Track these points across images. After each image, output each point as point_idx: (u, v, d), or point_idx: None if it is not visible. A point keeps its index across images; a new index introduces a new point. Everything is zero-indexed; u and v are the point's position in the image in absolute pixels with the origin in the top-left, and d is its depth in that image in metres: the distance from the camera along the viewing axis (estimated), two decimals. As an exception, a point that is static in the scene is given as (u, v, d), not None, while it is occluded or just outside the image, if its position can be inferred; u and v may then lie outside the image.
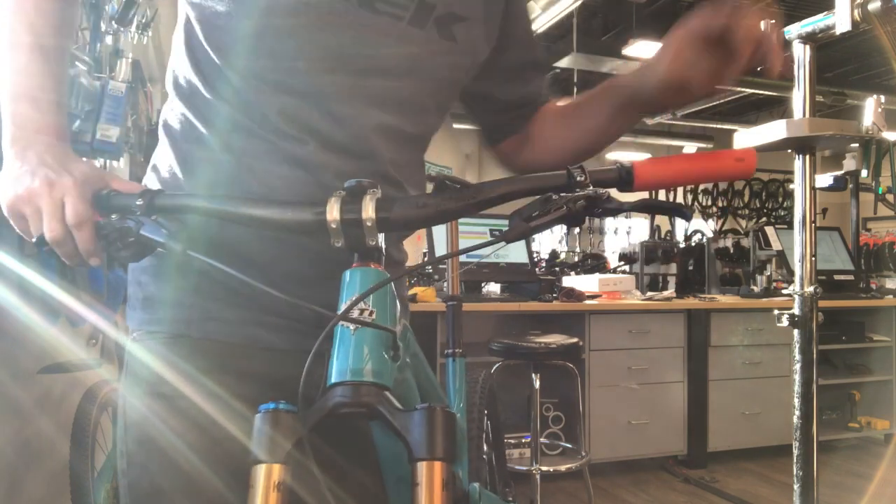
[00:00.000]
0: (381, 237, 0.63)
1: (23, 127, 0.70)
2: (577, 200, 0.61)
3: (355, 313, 0.60)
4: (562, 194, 0.62)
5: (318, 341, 0.57)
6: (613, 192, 0.64)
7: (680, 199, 7.94)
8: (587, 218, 0.63)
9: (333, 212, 0.61)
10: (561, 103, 0.96)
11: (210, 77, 0.76)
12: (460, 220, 3.23)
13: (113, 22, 2.03)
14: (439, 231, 3.05)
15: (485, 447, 1.56)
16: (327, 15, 0.71)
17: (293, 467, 0.56)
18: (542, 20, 5.23)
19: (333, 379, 0.58)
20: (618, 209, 0.63)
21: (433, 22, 0.76)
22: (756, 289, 4.18)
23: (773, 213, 8.23)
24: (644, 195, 0.66)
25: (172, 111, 0.81)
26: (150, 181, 0.82)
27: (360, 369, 0.58)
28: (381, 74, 0.75)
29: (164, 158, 0.81)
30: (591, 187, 0.63)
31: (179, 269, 0.70)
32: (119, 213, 0.67)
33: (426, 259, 3.25)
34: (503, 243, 0.62)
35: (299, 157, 0.73)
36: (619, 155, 8.91)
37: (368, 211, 0.61)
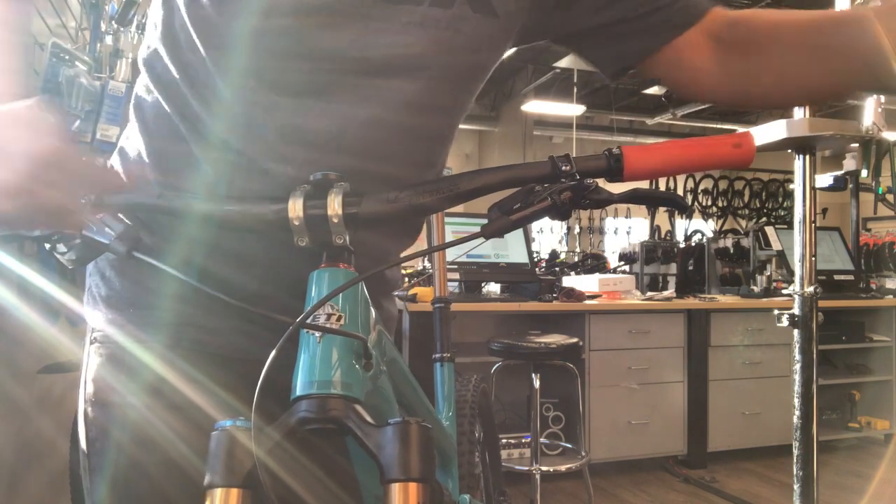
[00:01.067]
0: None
1: None
2: (563, 191, 0.57)
3: (322, 319, 0.55)
4: (545, 185, 0.58)
5: (273, 350, 0.51)
6: (604, 184, 0.60)
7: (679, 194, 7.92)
8: (577, 210, 0.59)
9: (296, 208, 0.56)
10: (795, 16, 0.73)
11: (194, 77, 0.66)
12: (454, 221, 3.25)
13: (113, 22, 2.03)
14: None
15: (477, 455, 1.53)
16: (331, 15, 0.62)
17: (254, 491, 0.51)
18: (542, 20, 5.23)
19: (298, 392, 0.53)
20: (607, 200, 0.58)
21: None
22: (756, 289, 4.18)
23: (773, 213, 8.24)
24: (641, 184, 0.62)
25: (147, 91, 0.71)
26: (116, 166, 0.74)
27: (327, 381, 0.53)
28: (390, 74, 0.66)
29: (133, 145, 0.73)
30: (578, 177, 0.58)
31: (152, 266, 0.61)
32: None
33: (425, 260, 3.24)
34: (482, 239, 0.57)
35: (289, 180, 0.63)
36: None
37: (334, 206, 0.56)
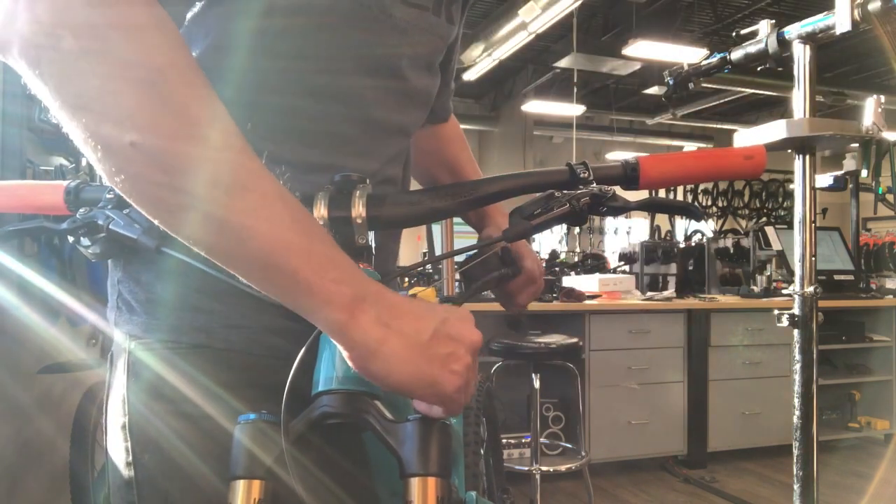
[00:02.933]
0: (370, 235, 0.59)
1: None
2: (581, 198, 0.58)
3: None
4: (564, 192, 0.60)
5: (304, 348, 0.52)
6: (618, 190, 0.62)
7: (680, 199, 7.93)
8: (590, 217, 0.61)
9: (321, 209, 0.57)
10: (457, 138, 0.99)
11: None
12: (460, 222, 3.25)
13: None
14: (438, 230, 3.05)
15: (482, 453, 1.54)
16: (356, 17, 0.63)
17: (276, 483, 0.52)
18: (542, 20, 5.23)
19: (319, 387, 0.54)
20: (623, 207, 0.60)
21: (444, 6, 0.71)
22: (756, 289, 4.18)
23: (773, 213, 8.23)
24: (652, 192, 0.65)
25: None
26: None
27: (349, 377, 0.53)
28: (403, 72, 0.69)
29: None
30: (595, 184, 0.60)
31: (192, 267, 0.59)
32: (88, 206, 0.62)
33: (426, 259, 3.24)
34: (503, 243, 0.58)
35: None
36: (620, 155, 8.86)
37: (358, 208, 0.57)
